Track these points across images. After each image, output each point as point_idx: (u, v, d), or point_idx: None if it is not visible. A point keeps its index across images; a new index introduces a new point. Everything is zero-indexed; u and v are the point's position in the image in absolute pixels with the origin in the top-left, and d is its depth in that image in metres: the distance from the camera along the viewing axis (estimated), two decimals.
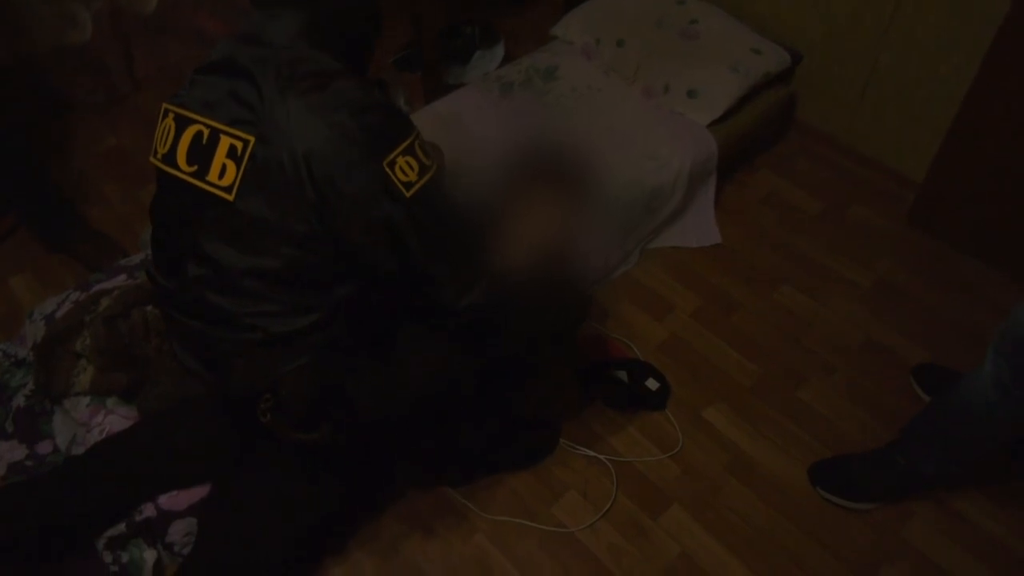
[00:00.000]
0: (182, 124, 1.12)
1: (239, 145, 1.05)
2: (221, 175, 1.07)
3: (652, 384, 1.77)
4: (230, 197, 1.06)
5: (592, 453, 1.67)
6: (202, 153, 1.09)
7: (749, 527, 1.57)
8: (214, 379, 1.22)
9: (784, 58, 2.20)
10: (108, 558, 1.48)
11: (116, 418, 1.59)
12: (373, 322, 1.22)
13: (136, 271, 1.83)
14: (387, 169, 1.05)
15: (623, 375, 1.77)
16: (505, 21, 2.73)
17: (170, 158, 1.13)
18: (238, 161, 1.05)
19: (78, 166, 2.33)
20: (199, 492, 1.49)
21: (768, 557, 1.52)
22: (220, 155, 1.07)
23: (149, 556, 1.49)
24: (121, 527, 1.47)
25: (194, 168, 1.09)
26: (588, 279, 1.91)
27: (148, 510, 1.46)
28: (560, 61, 2.28)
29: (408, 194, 1.07)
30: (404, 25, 2.50)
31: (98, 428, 1.58)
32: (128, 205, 2.24)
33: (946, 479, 1.58)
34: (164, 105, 1.17)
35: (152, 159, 1.17)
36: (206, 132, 1.09)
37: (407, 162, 1.07)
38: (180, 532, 1.48)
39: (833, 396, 1.77)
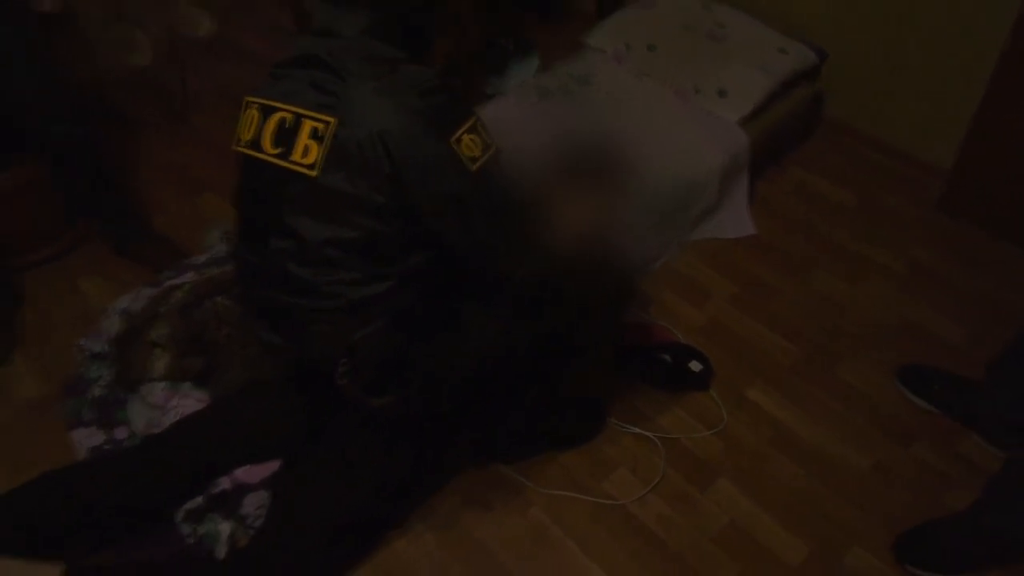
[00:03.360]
0: (266, 112, 1.23)
1: (321, 127, 1.16)
2: (304, 154, 1.18)
3: (695, 366, 1.84)
4: (314, 173, 1.17)
5: (640, 431, 1.74)
6: (286, 136, 1.20)
7: (793, 496, 1.63)
8: (292, 350, 1.32)
9: (809, 56, 2.29)
10: (186, 530, 1.57)
11: (190, 401, 1.69)
12: (438, 293, 1.31)
13: (203, 268, 1.95)
14: (454, 146, 1.16)
15: (667, 358, 1.84)
16: (539, 34, 2.85)
17: (255, 143, 1.24)
18: (320, 141, 1.16)
19: (140, 178, 2.47)
20: (271, 466, 1.58)
21: (812, 523, 1.58)
22: (303, 137, 1.18)
23: (224, 528, 1.57)
24: (199, 500, 1.56)
25: (279, 150, 1.21)
26: (630, 266, 1.99)
27: (224, 483, 1.55)
28: (594, 67, 2.39)
29: (473, 168, 1.17)
30: (444, 39, 2.62)
31: (173, 411, 1.68)
32: (186, 212, 2.37)
33: None
34: (246, 99, 1.28)
35: (235, 147, 1.29)
36: (289, 117, 1.20)
37: (471, 139, 1.17)
38: (253, 504, 1.57)
39: (871, 373, 1.83)
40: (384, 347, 1.26)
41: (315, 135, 1.17)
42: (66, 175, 2.08)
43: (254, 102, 1.26)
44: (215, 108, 2.75)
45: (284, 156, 1.20)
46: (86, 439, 1.79)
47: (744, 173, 2.20)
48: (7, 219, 2.09)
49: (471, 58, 2.45)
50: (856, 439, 1.71)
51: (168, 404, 1.69)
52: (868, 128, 2.37)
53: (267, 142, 1.22)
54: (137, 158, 2.56)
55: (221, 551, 1.53)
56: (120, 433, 1.77)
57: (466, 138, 1.17)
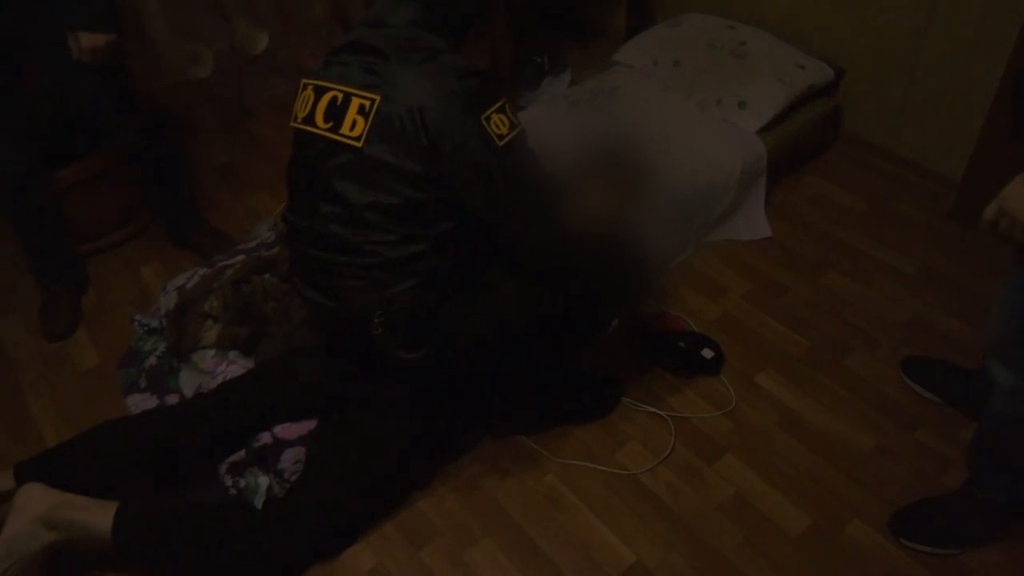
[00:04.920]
0: (320, 92, 1.40)
1: (367, 103, 1.32)
2: (352, 128, 1.33)
3: (707, 353, 1.94)
4: (359, 144, 1.33)
5: (652, 410, 1.84)
6: (336, 112, 1.36)
7: (797, 472, 1.71)
8: (332, 308, 1.47)
9: (827, 72, 2.41)
10: (228, 482, 1.71)
11: (236, 368, 1.84)
12: (467, 258, 1.45)
13: (252, 252, 2.12)
14: (484, 122, 1.30)
15: (681, 344, 1.95)
16: (572, 53, 3.02)
17: (309, 119, 1.40)
18: (366, 116, 1.32)
19: (197, 177, 2.68)
20: (308, 425, 1.71)
21: (814, 497, 1.66)
22: (351, 113, 1.34)
23: (263, 482, 1.71)
24: (241, 454, 1.69)
25: (329, 124, 1.37)
26: (649, 260, 2.11)
27: (265, 438, 1.69)
28: (621, 82, 2.54)
29: (500, 144, 1.32)
30: (481, 53, 2.80)
31: (221, 376, 1.83)
32: (238, 209, 2.56)
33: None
34: (303, 81, 1.45)
35: (292, 123, 1.46)
36: (340, 96, 1.36)
37: (500, 119, 1.32)
38: (290, 460, 1.70)
39: (878, 365, 1.91)
40: (416, 304, 1.40)
41: (362, 111, 1.33)
42: (134, 170, 2.28)
43: (309, 83, 1.43)
44: (268, 117, 2.97)
45: (334, 130, 1.36)
46: (141, 403, 1.95)
47: (761, 179, 2.31)
48: (80, 207, 2.29)
49: (506, 71, 2.62)
50: (861, 423, 1.79)
51: (216, 370, 1.84)
52: (883, 141, 2.48)
53: (319, 118, 1.38)
54: (195, 159, 2.78)
55: (259, 503, 1.67)
56: (171, 399, 1.92)
57: (495, 117, 1.32)
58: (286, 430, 1.69)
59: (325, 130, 1.37)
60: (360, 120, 1.33)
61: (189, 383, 1.90)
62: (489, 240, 1.45)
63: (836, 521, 1.61)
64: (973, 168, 2.19)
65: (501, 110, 1.34)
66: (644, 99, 2.44)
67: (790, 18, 2.55)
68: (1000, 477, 1.47)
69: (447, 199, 1.36)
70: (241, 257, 2.09)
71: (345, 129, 1.35)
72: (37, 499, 1.48)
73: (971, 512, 1.53)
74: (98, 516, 1.48)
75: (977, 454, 1.53)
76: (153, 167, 2.25)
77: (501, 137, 1.32)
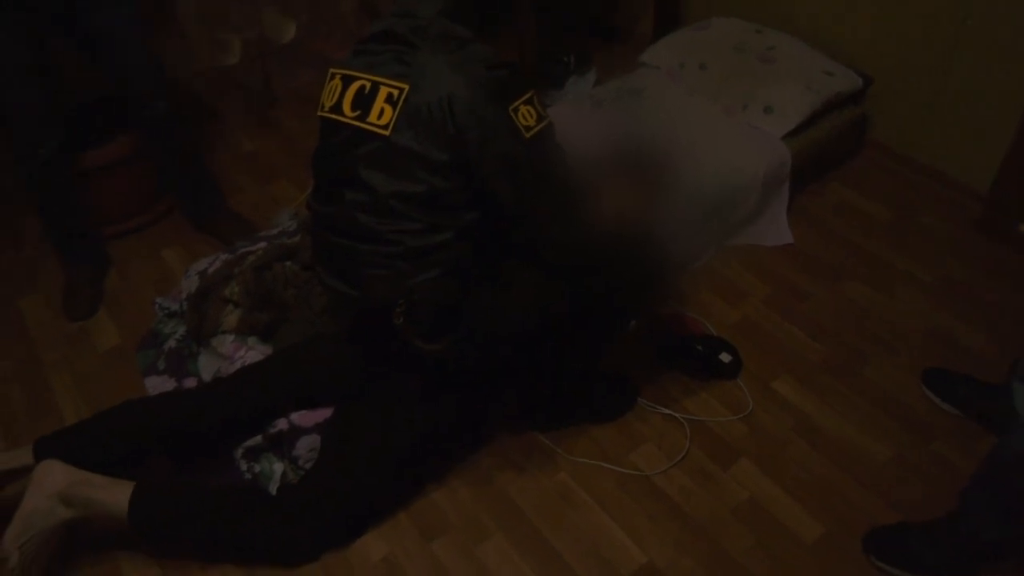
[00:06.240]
0: (348, 81, 1.40)
1: (395, 92, 1.33)
2: (379, 116, 1.34)
3: (725, 357, 1.93)
4: (387, 133, 1.33)
5: (668, 412, 1.84)
6: (364, 101, 1.36)
7: (812, 479, 1.70)
8: (354, 296, 1.47)
9: (855, 80, 2.39)
10: (243, 466, 1.72)
11: (255, 354, 1.85)
12: (490, 251, 1.46)
13: (274, 239, 2.13)
14: (511, 113, 1.30)
15: (699, 347, 1.94)
16: (598, 53, 3.02)
17: (336, 108, 1.41)
18: (394, 105, 1.32)
19: (221, 163, 2.70)
20: (324, 413, 1.72)
21: (829, 505, 1.65)
22: (379, 102, 1.34)
23: (278, 468, 1.72)
24: (258, 439, 1.71)
25: (357, 113, 1.37)
26: (667, 257, 2.10)
27: (281, 424, 1.70)
28: (647, 83, 2.53)
29: (527, 136, 1.32)
30: (507, 51, 2.81)
31: (240, 361, 1.84)
32: (259, 195, 2.58)
33: (1013, 544, 1.45)
34: (331, 70, 1.46)
35: (319, 112, 1.46)
36: (368, 85, 1.37)
37: (528, 110, 1.32)
38: (305, 447, 1.71)
39: (896, 374, 1.89)
40: (438, 295, 1.40)
41: (390, 99, 1.33)
42: (158, 152, 2.30)
43: (337, 72, 1.43)
44: (292, 106, 2.98)
45: (361, 118, 1.37)
46: (159, 386, 1.97)
47: (785, 185, 2.30)
48: (104, 190, 2.32)
49: (532, 69, 2.62)
50: (878, 432, 1.78)
51: (235, 355, 1.86)
52: (909, 150, 2.45)
53: (347, 107, 1.39)
54: (220, 145, 2.79)
55: (273, 489, 1.68)
56: (189, 383, 1.94)
57: (523, 108, 1.32)
58: (302, 417, 1.70)
59: (352, 119, 1.38)
60: (388, 109, 1.33)
61: (208, 367, 1.91)
62: (512, 233, 1.46)
63: (850, 530, 1.60)
64: (1001, 180, 2.16)
65: (529, 102, 1.34)
66: (669, 101, 2.43)
67: (819, 24, 2.53)
68: (995, 513, 1.38)
69: (473, 188, 1.37)
70: (263, 244, 2.10)
71: (373, 118, 1.35)
72: (56, 476, 1.50)
73: (950, 545, 1.47)
74: (115, 495, 1.50)
75: (976, 485, 1.42)
76: (177, 147, 2.27)
77: (528, 128, 1.33)
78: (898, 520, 1.59)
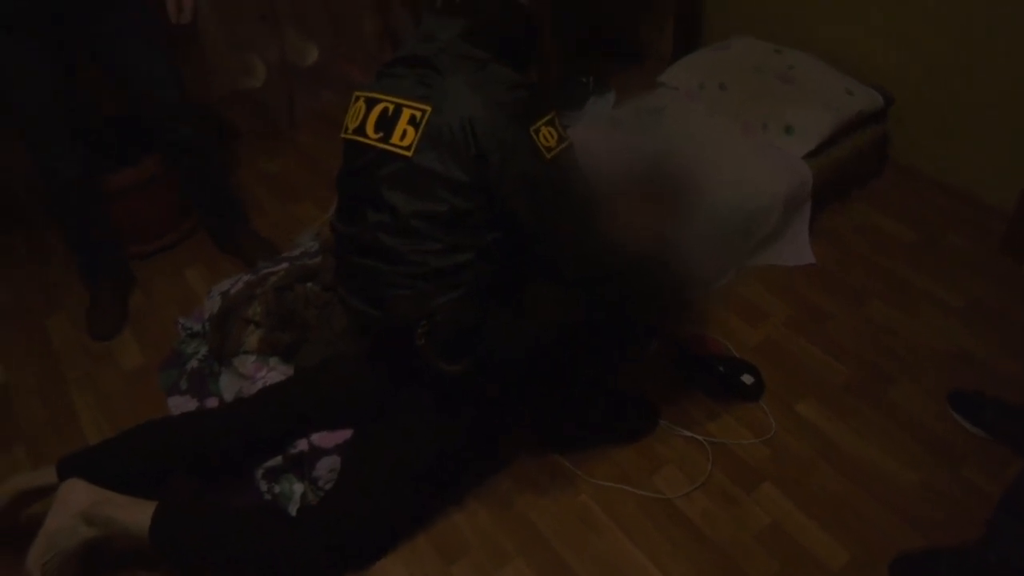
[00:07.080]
0: (371, 104, 1.42)
1: (418, 114, 1.34)
2: (402, 138, 1.35)
3: (747, 379, 1.91)
4: (409, 154, 1.35)
5: (690, 434, 1.82)
6: (387, 123, 1.38)
7: (837, 504, 1.67)
8: (378, 315, 1.48)
9: (876, 99, 2.38)
10: (263, 487, 1.72)
11: (276, 374, 1.86)
12: (510, 271, 1.46)
13: (295, 260, 2.14)
14: (532, 134, 1.31)
15: (721, 368, 1.93)
16: (617, 74, 3.03)
17: (360, 130, 1.43)
18: (417, 126, 1.34)
19: (245, 184, 2.73)
20: (344, 434, 1.72)
21: (855, 531, 1.62)
22: (402, 123, 1.36)
23: (297, 488, 1.71)
24: (278, 460, 1.71)
25: (380, 135, 1.39)
26: (687, 277, 2.09)
27: (302, 445, 1.70)
28: (666, 103, 2.54)
29: (548, 156, 1.33)
30: (528, 73, 2.83)
31: (261, 381, 1.85)
32: (281, 215, 2.60)
33: None
34: (355, 93, 1.48)
35: (343, 135, 1.48)
36: (391, 107, 1.38)
37: (549, 131, 1.33)
38: (325, 468, 1.71)
39: (923, 397, 1.86)
40: (460, 316, 1.41)
41: (412, 121, 1.35)
42: (183, 175, 2.33)
43: (361, 95, 1.45)
44: (315, 128, 3.01)
45: (384, 140, 1.38)
46: (182, 405, 1.98)
47: (806, 205, 2.28)
48: (129, 211, 2.35)
49: (552, 90, 2.64)
50: (904, 456, 1.75)
51: (257, 375, 1.86)
52: (932, 170, 2.44)
53: (370, 128, 1.41)
54: (243, 166, 2.83)
55: (293, 510, 1.68)
56: (211, 403, 1.95)
57: (544, 129, 1.33)
58: (323, 438, 1.70)
59: (375, 140, 1.39)
60: (411, 130, 1.35)
61: (229, 387, 1.92)
62: (533, 253, 1.46)
63: (876, 556, 1.57)
64: None
65: (550, 123, 1.35)
66: (689, 121, 2.44)
67: (839, 43, 2.53)
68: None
69: (494, 209, 1.37)
70: (285, 265, 2.12)
71: (395, 139, 1.36)
72: (79, 495, 1.51)
73: (980, 574, 1.44)
74: (136, 515, 1.50)
75: (1004, 511, 1.41)
76: (201, 169, 2.30)
77: (549, 149, 1.33)
78: (925, 546, 1.56)
